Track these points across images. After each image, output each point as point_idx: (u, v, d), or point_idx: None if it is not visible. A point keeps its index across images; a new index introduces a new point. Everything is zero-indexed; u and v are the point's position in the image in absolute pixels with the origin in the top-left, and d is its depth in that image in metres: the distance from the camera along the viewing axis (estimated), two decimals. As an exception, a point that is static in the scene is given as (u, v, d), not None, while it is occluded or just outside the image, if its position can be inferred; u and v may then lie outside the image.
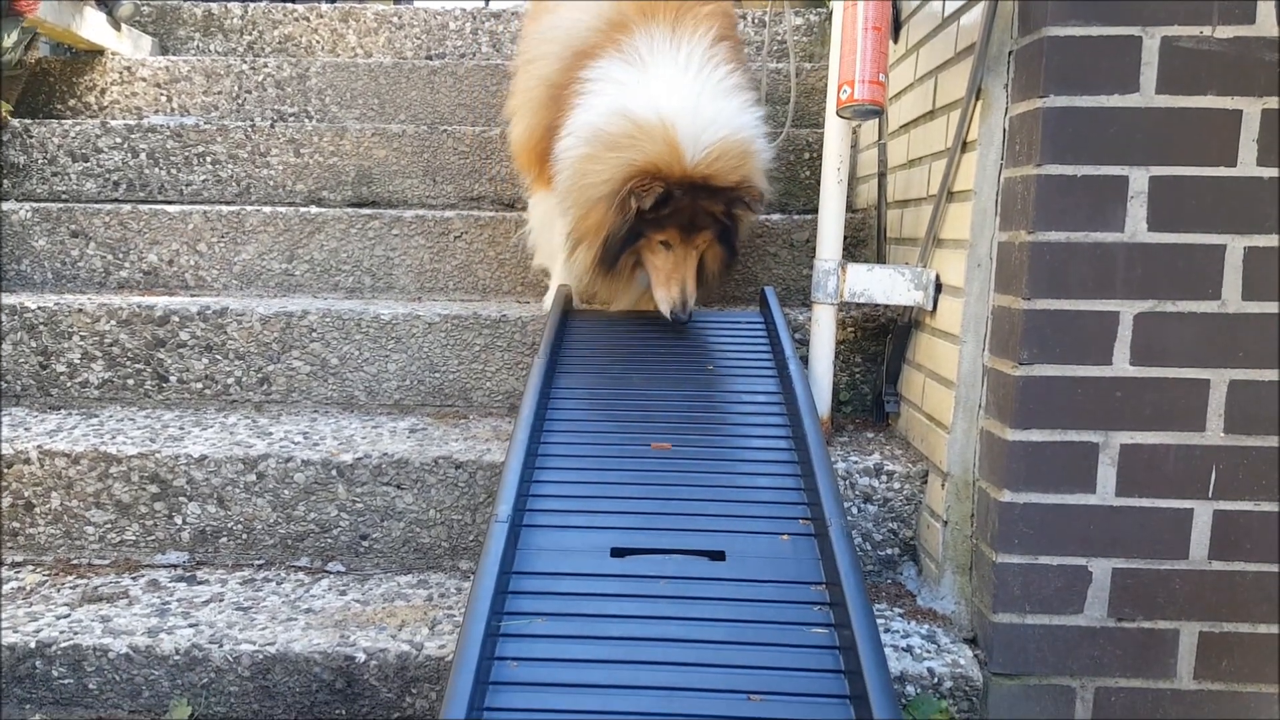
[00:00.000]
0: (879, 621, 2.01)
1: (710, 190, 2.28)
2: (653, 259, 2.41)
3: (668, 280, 2.40)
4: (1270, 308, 1.81)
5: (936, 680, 1.85)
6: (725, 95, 2.35)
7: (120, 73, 4.03)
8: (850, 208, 3.34)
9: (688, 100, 2.29)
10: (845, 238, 2.48)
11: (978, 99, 2.02)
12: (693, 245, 2.39)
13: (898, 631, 2.01)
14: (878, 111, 2.26)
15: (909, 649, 1.93)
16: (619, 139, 2.27)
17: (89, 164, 3.49)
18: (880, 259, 2.73)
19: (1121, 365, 1.84)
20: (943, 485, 2.10)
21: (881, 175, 2.74)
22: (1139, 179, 1.80)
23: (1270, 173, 1.78)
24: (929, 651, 1.93)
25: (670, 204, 2.26)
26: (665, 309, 2.41)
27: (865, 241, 3.07)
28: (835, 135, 2.35)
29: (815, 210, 2.44)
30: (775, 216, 3.14)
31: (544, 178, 2.57)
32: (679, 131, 2.24)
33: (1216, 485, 1.86)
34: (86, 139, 3.48)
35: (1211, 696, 1.90)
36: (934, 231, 2.24)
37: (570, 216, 2.43)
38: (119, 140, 3.49)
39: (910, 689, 1.85)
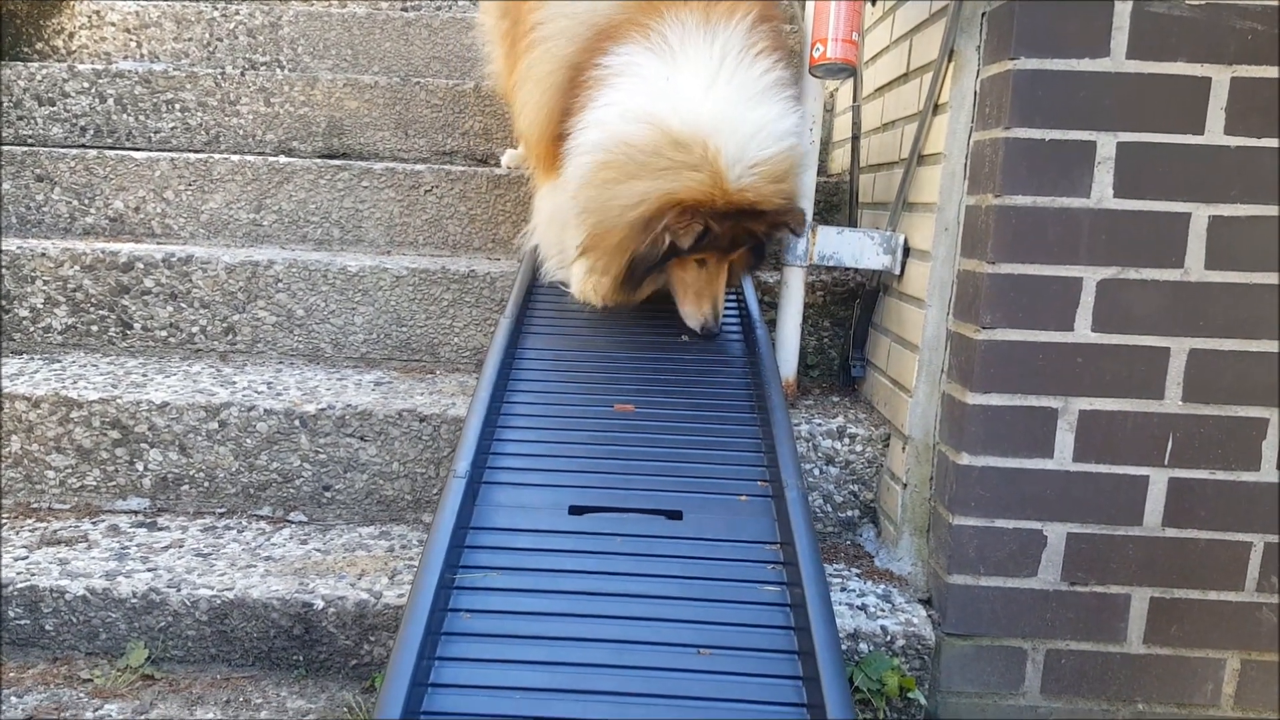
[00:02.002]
0: (836, 581, 2.04)
1: (754, 214, 2.05)
2: (682, 275, 2.19)
3: (698, 297, 2.19)
4: (1232, 277, 1.82)
5: (889, 639, 1.87)
6: (767, 98, 2.07)
7: (89, 17, 3.97)
8: (825, 173, 3.34)
9: (726, 109, 2.02)
10: (820, 203, 2.48)
11: (950, 61, 2.01)
12: (728, 260, 2.19)
13: (854, 591, 2.02)
14: (851, 70, 2.24)
15: (864, 608, 1.95)
16: (648, 155, 2.01)
17: (55, 108, 3.43)
18: (852, 223, 2.73)
19: (1083, 331, 1.85)
20: (904, 448, 2.11)
21: (855, 139, 2.72)
22: (1107, 144, 1.80)
23: (1237, 141, 1.78)
24: (883, 610, 1.94)
25: (709, 236, 2.03)
26: (694, 324, 2.22)
27: (839, 207, 3.07)
28: (809, 95, 2.32)
29: (789, 173, 2.43)
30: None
31: (555, 168, 2.29)
32: (721, 153, 1.98)
33: (1173, 453, 1.87)
34: (53, 83, 3.42)
35: (1160, 661, 1.93)
36: (904, 195, 2.24)
37: (585, 226, 2.16)
38: (86, 85, 3.43)
39: (863, 646, 1.87)
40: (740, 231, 2.08)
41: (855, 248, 2.31)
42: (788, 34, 2.36)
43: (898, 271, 2.26)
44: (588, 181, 2.10)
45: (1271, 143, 1.79)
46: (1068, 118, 1.80)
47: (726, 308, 2.46)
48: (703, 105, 2.02)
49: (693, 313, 2.21)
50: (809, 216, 2.26)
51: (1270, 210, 1.80)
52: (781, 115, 2.07)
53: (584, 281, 2.34)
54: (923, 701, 1.87)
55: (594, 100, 2.11)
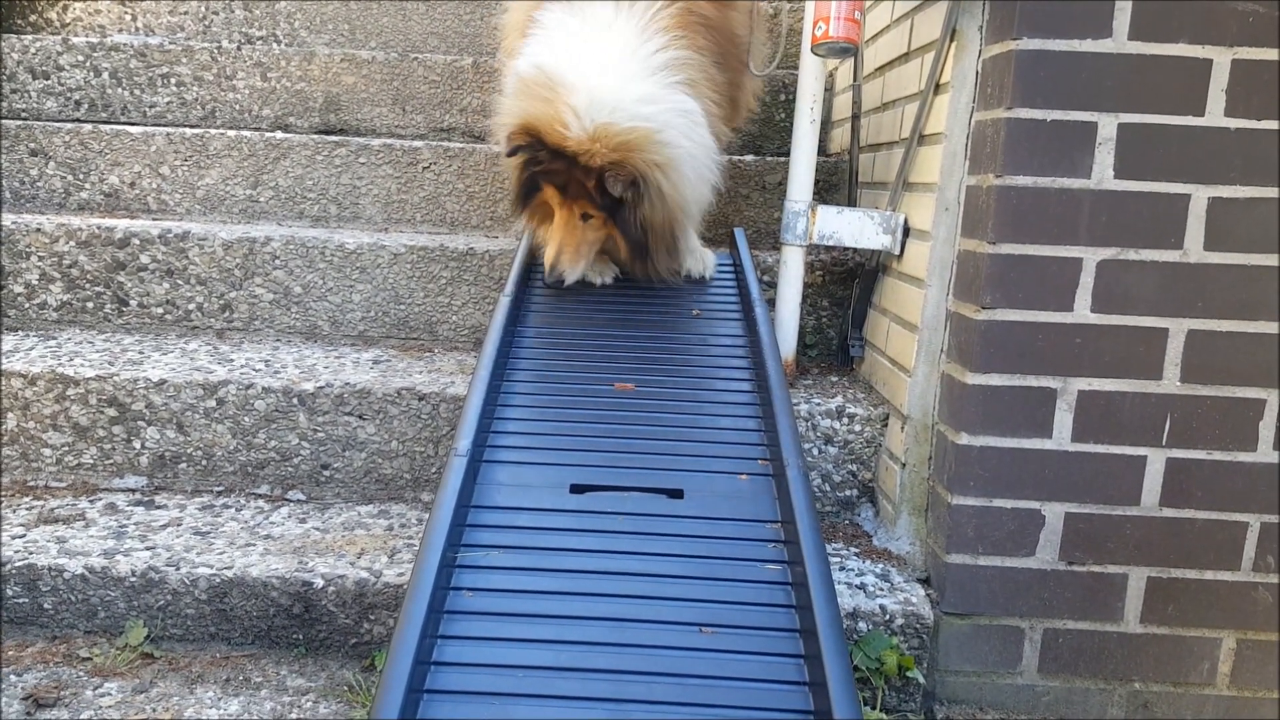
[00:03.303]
0: (835, 560, 2.05)
1: (582, 167, 2.17)
2: (555, 217, 2.32)
3: (550, 240, 2.33)
4: (1231, 259, 1.82)
5: (888, 617, 1.88)
6: (644, 78, 2.21)
7: (83, -11, 3.93)
8: (824, 152, 3.33)
9: (596, 73, 2.19)
10: (818, 182, 2.47)
11: (952, 40, 2.01)
12: (574, 212, 2.27)
13: (853, 570, 2.03)
14: (852, 49, 2.23)
15: (863, 587, 1.96)
16: (528, 88, 2.23)
17: (49, 82, 3.40)
18: (851, 203, 2.72)
19: (1083, 312, 1.85)
20: (902, 428, 2.11)
21: (855, 118, 2.72)
22: (1108, 125, 1.79)
23: (1237, 123, 1.78)
24: (882, 590, 1.95)
25: (540, 163, 2.21)
26: (547, 259, 2.32)
27: (838, 186, 3.06)
28: (810, 74, 2.32)
29: (789, 153, 2.42)
30: (749, 158, 3.12)
31: None
32: (571, 103, 2.15)
33: (1171, 433, 1.88)
34: (47, 56, 3.39)
35: (1157, 640, 1.94)
36: (904, 175, 2.23)
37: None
38: (81, 58, 3.40)
39: (862, 625, 1.88)
40: (572, 180, 2.21)
41: (855, 228, 2.31)
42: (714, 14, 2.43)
43: (897, 251, 2.26)
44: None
45: (1272, 125, 1.79)
46: (1069, 98, 1.79)
47: (725, 286, 2.47)
48: (580, 64, 2.21)
49: (546, 253, 2.33)
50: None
51: (1270, 192, 1.80)
52: (647, 100, 2.20)
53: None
54: (921, 680, 1.88)
55: (522, 50, 2.35)
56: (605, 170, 2.16)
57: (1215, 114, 1.79)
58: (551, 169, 2.22)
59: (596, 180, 2.18)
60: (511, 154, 2.23)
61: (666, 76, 2.24)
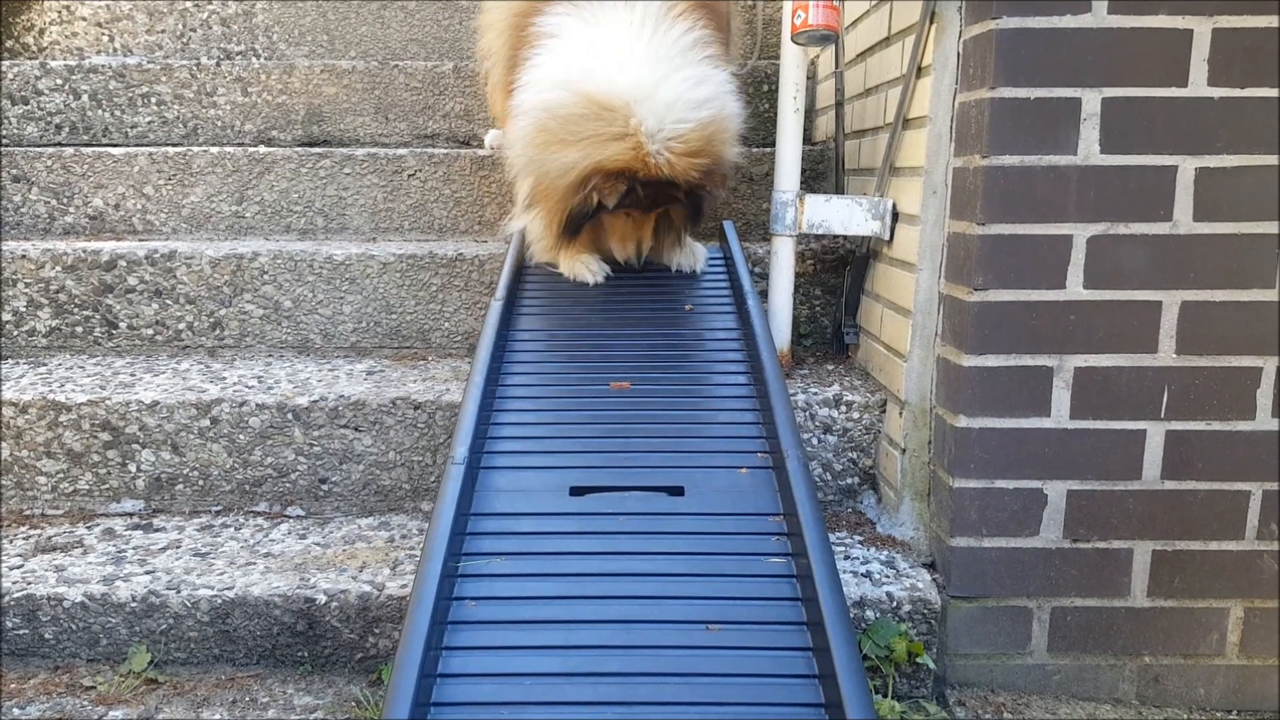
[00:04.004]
0: (839, 549, 2.04)
1: (673, 184, 2.17)
2: (612, 223, 2.34)
3: (623, 240, 2.37)
4: (1221, 228, 1.82)
5: (895, 604, 1.87)
6: (686, 60, 2.18)
7: (59, 12, 3.91)
8: (809, 140, 3.32)
9: (645, 76, 2.12)
10: (805, 171, 2.46)
11: (932, 22, 1.99)
12: (651, 216, 2.33)
13: (857, 558, 2.02)
14: (832, 36, 2.22)
15: (868, 575, 1.95)
16: (576, 122, 2.13)
17: (29, 107, 3.38)
18: (839, 190, 2.71)
19: (1075, 289, 1.84)
20: (900, 414, 2.10)
21: (839, 105, 2.70)
22: (1091, 100, 1.78)
23: (1221, 92, 1.77)
24: (888, 577, 1.94)
25: (633, 195, 2.18)
26: (620, 258, 2.40)
27: (824, 174, 3.05)
28: (791, 63, 2.31)
29: (774, 144, 2.41)
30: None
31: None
32: (642, 126, 2.09)
33: (1169, 406, 1.87)
34: (25, 81, 3.38)
35: (1164, 613, 1.94)
36: (890, 160, 2.22)
37: (529, 184, 2.34)
38: (59, 82, 3.38)
39: (870, 614, 1.87)
40: (661, 193, 2.19)
41: (844, 215, 2.30)
42: None
43: (887, 237, 2.25)
44: (528, 142, 2.24)
45: (1255, 92, 1.78)
46: (1052, 75, 1.78)
47: (716, 280, 2.46)
48: (622, 71, 2.13)
49: (619, 248, 2.38)
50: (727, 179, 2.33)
51: (1256, 160, 1.79)
52: (699, 81, 2.17)
53: (534, 227, 2.45)
54: (931, 666, 1.87)
55: (529, 60, 2.26)
56: (705, 184, 2.18)
57: (1198, 84, 1.78)
58: (642, 195, 2.18)
59: (690, 190, 2.19)
60: (624, 199, 2.17)
61: (699, 53, 2.22)
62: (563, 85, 2.16)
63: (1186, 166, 1.80)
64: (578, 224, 2.26)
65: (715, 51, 2.28)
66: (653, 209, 2.28)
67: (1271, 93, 1.78)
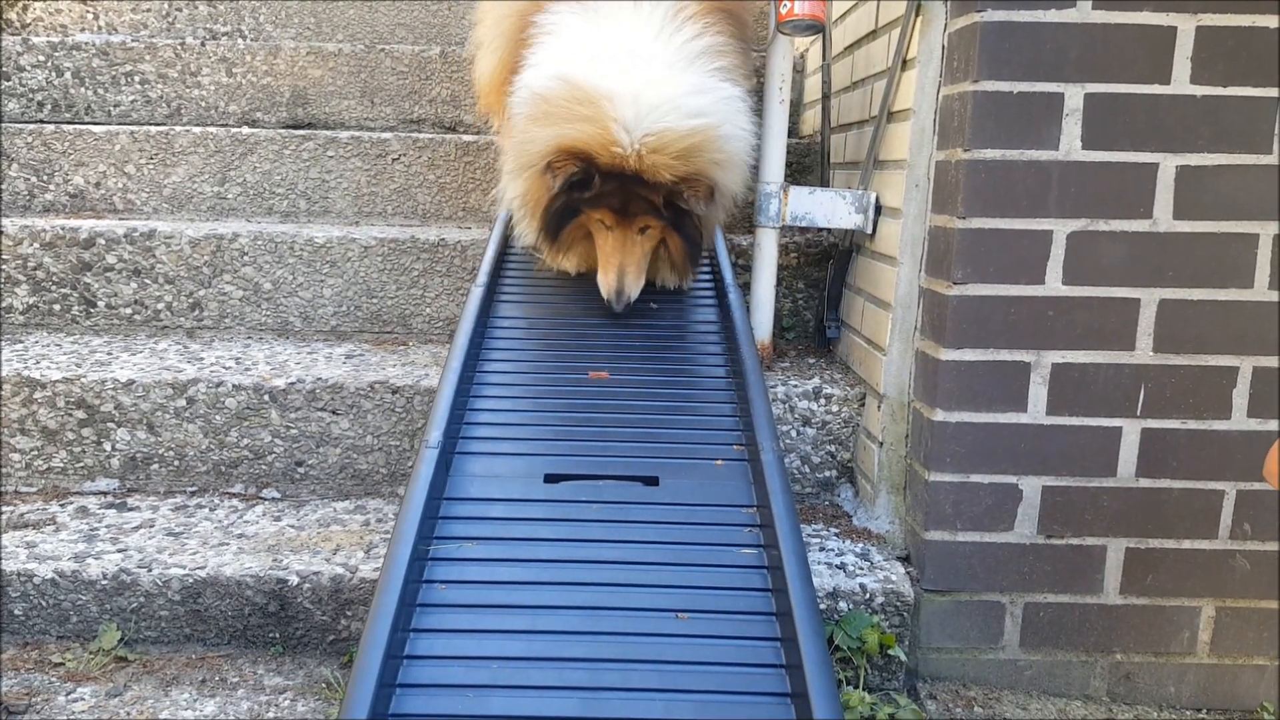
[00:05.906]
0: (815, 541, 2.04)
1: (645, 183, 2.01)
2: (598, 237, 2.16)
3: (606, 264, 2.14)
4: (1201, 227, 1.82)
5: (869, 596, 1.87)
6: (685, 68, 2.05)
7: (44, -12, 3.88)
8: (797, 135, 3.32)
9: (635, 74, 2.00)
10: (791, 165, 2.46)
11: (917, 15, 1.99)
12: (632, 229, 2.12)
13: (832, 550, 2.02)
14: (819, 27, 2.21)
15: (842, 566, 1.95)
16: (556, 107, 2.03)
17: (10, 83, 3.35)
18: (824, 184, 2.71)
19: (1054, 284, 1.84)
20: (879, 407, 2.10)
21: (826, 98, 2.70)
22: (1074, 96, 1.78)
23: (1203, 90, 1.78)
24: (862, 569, 1.94)
25: (593, 186, 2.02)
26: (603, 294, 2.15)
27: (810, 169, 3.05)
28: (778, 53, 2.30)
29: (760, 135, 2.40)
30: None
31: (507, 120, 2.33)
32: (617, 116, 1.96)
33: (1145, 403, 1.88)
34: (7, 57, 3.35)
35: (1136, 611, 1.94)
36: (874, 153, 2.22)
37: (518, 182, 2.22)
38: (42, 58, 3.36)
39: (843, 605, 1.87)
40: (633, 197, 2.04)
41: (828, 208, 2.30)
42: None
43: (870, 230, 2.25)
44: (516, 136, 2.16)
45: (1237, 91, 1.78)
46: (1035, 70, 1.78)
47: (700, 272, 2.45)
48: (612, 68, 2.02)
49: (601, 281, 2.15)
50: (731, 187, 2.15)
51: (1237, 159, 1.80)
52: (697, 91, 2.03)
53: (524, 230, 2.33)
54: (903, 658, 1.88)
55: (527, 60, 2.17)
56: (682, 189, 2.00)
57: (1181, 81, 1.78)
58: (604, 192, 2.03)
59: (665, 196, 2.02)
60: (563, 190, 2.02)
61: (706, 63, 2.09)
62: (557, 76, 2.06)
63: (1168, 164, 1.80)
64: (555, 222, 2.13)
65: (730, 63, 2.15)
66: (627, 215, 2.09)
67: (1254, 92, 1.78)
